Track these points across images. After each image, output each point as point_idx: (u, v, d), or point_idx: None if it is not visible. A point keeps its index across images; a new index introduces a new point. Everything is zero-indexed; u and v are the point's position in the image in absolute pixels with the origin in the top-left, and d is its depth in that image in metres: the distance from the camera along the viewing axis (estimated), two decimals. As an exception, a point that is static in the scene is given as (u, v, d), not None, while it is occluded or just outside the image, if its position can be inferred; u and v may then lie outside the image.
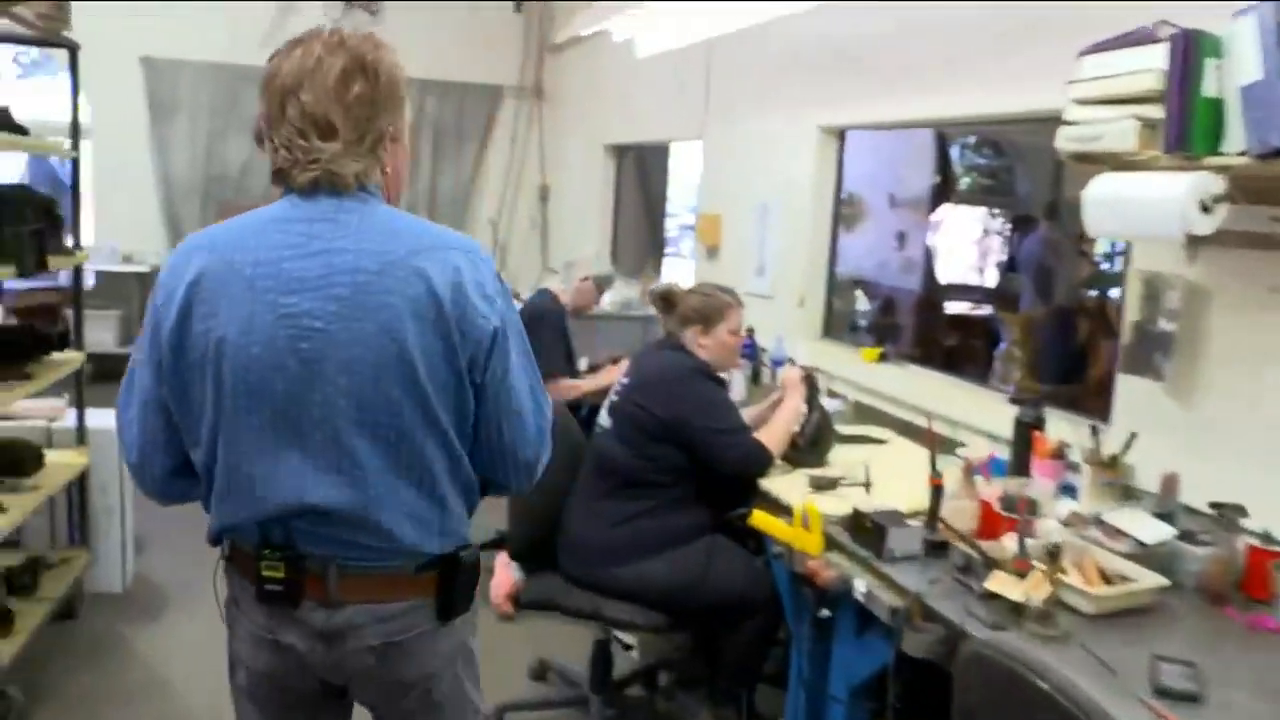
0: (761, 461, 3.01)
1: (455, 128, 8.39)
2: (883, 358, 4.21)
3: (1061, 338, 5.94)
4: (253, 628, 1.63)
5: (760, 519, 2.69)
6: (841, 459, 3.23)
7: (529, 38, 8.45)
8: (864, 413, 4.05)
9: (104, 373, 7.60)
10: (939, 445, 2.75)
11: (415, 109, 8.09)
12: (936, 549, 2.46)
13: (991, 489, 2.65)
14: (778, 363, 4.54)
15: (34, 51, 10.19)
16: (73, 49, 3.76)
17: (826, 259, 4.65)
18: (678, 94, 5.90)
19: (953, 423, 3.57)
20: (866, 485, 2.77)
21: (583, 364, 4.55)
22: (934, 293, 7.46)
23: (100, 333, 7.53)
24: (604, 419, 3.16)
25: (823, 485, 2.94)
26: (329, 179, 1.53)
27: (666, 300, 3.20)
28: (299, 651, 1.60)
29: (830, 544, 2.58)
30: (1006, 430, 3.13)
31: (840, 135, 4.56)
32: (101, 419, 3.93)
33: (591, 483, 3.10)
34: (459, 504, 1.64)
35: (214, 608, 1.73)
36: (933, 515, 2.55)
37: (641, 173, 7.67)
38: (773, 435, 3.08)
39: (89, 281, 8.02)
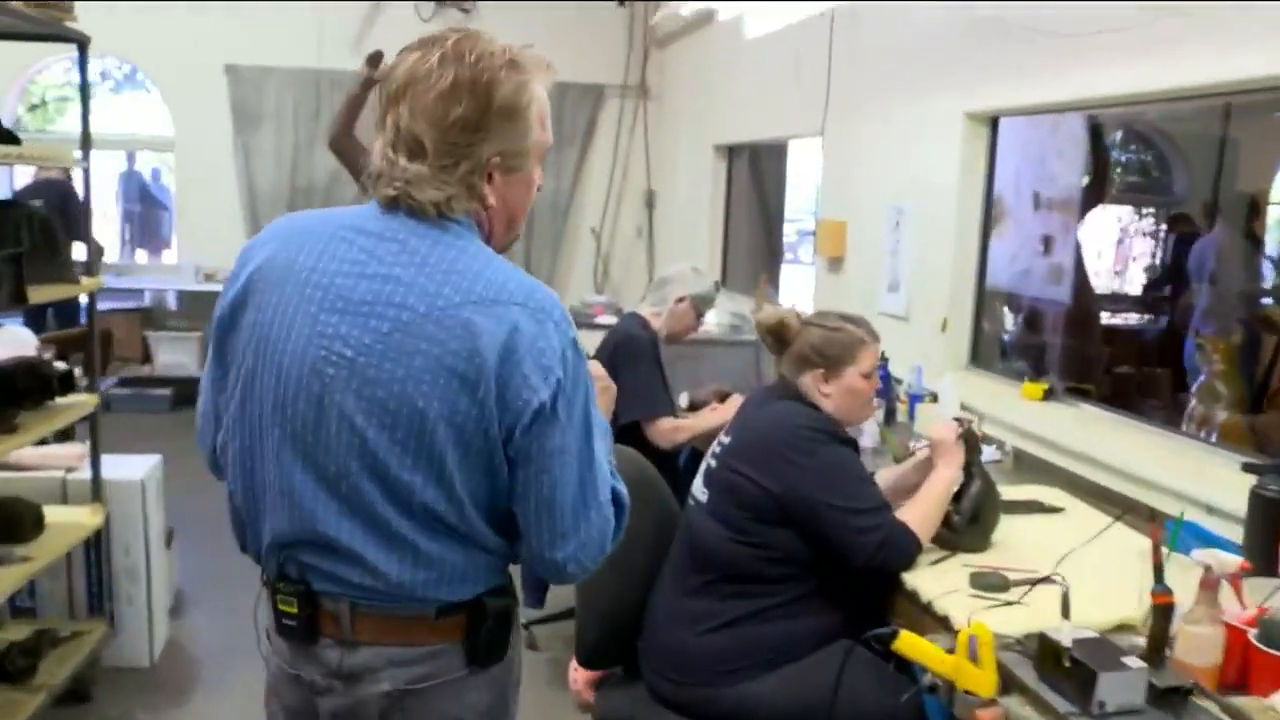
0: (907, 551, 2.28)
1: (555, 131, 7.75)
2: (1048, 395, 3.42)
3: (1248, 362, 5.05)
4: (279, 660, 1.57)
5: (909, 643, 1.95)
6: (1009, 538, 2.48)
7: (633, 32, 7.82)
8: (1025, 464, 3.27)
9: (185, 398, 7.31)
10: (1135, 515, 1.99)
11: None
12: (1166, 699, 1.71)
13: (1241, 608, 1.88)
14: (916, 399, 3.78)
15: (125, 66, 9.98)
16: (81, 42, 3.21)
17: (975, 272, 3.87)
18: (794, 83, 5.17)
19: (1143, 482, 2.79)
20: (1064, 605, 1.95)
21: (682, 401, 3.85)
22: (1086, 303, 6.54)
23: (179, 355, 7.15)
24: (698, 489, 2.47)
25: (991, 585, 2.20)
26: (407, 200, 1.43)
27: (778, 334, 2.49)
28: (320, 688, 1.52)
29: (1008, 682, 1.84)
30: (1217, 494, 2.46)
31: (992, 123, 3.77)
32: (120, 469, 3.39)
33: (683, 572, 2.41)
34: (480, 550, 1.49)
35: (251, 685, 1.69)
36: (1158, 646, 1.80)
37: (755, 175, 6.94)
38: (922, 516, 2.34)
39: (170, 303, 7.66)
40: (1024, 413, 3.40)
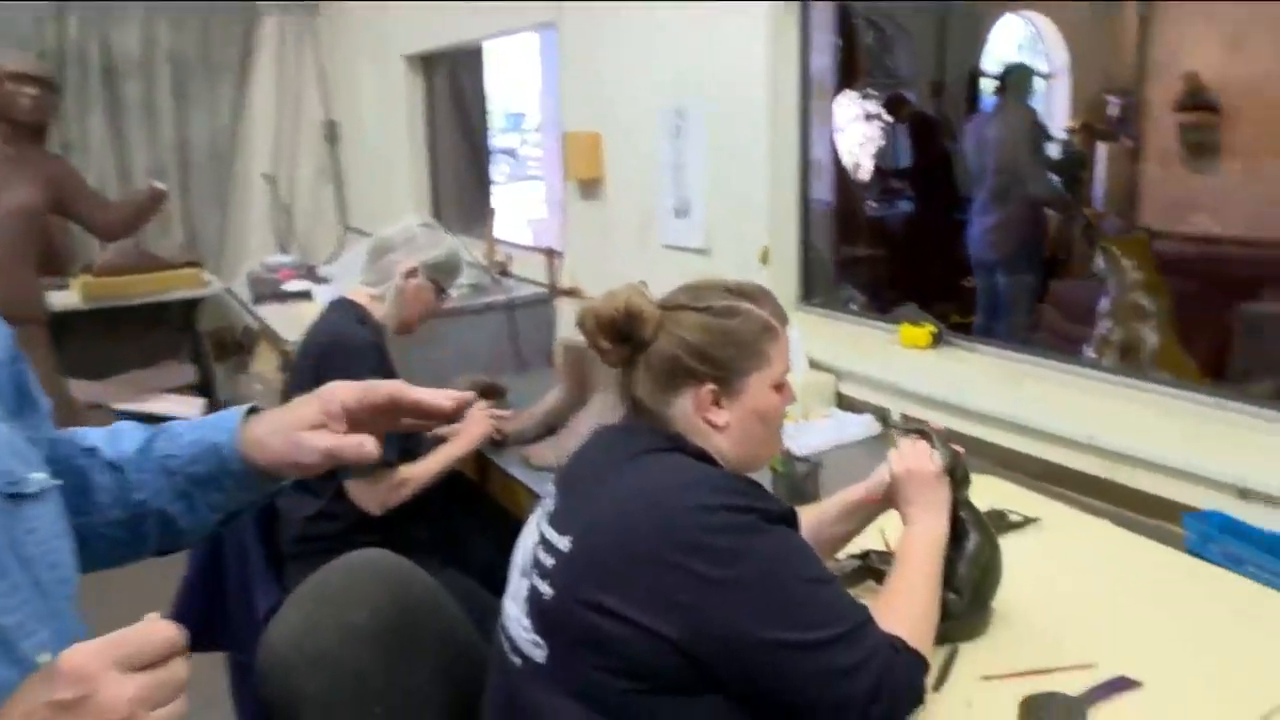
0: (914, 685, 1.31)
1: (202, 60, 6.23)
2: (938, 339, 2.53)
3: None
4: None
5: None
6: (999, 593, 1.58)
7: (282, -71, 6.36)
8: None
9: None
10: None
11: (143, 42, 5.97)
12: None
13: None
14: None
15: None
16: None
17: (797, 183, 2.94)
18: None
19: (1116, 456, 2.00)
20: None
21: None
22: (851, 199, 5.84)
23: None
24: (519, 629, 1.41)
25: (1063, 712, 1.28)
26: None
27: (626, 331, 1.43)
28: None
29: None
30: (1241, 465, 1.81)
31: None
32: None
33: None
34: None
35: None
36: None
37: (455, 91, 5.74)
38: (913, 612, 1.38)
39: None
40: (909, 367, 2.51)
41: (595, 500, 1.39)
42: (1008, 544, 1.61)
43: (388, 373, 2.39)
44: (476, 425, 2.57)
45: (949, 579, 1.50)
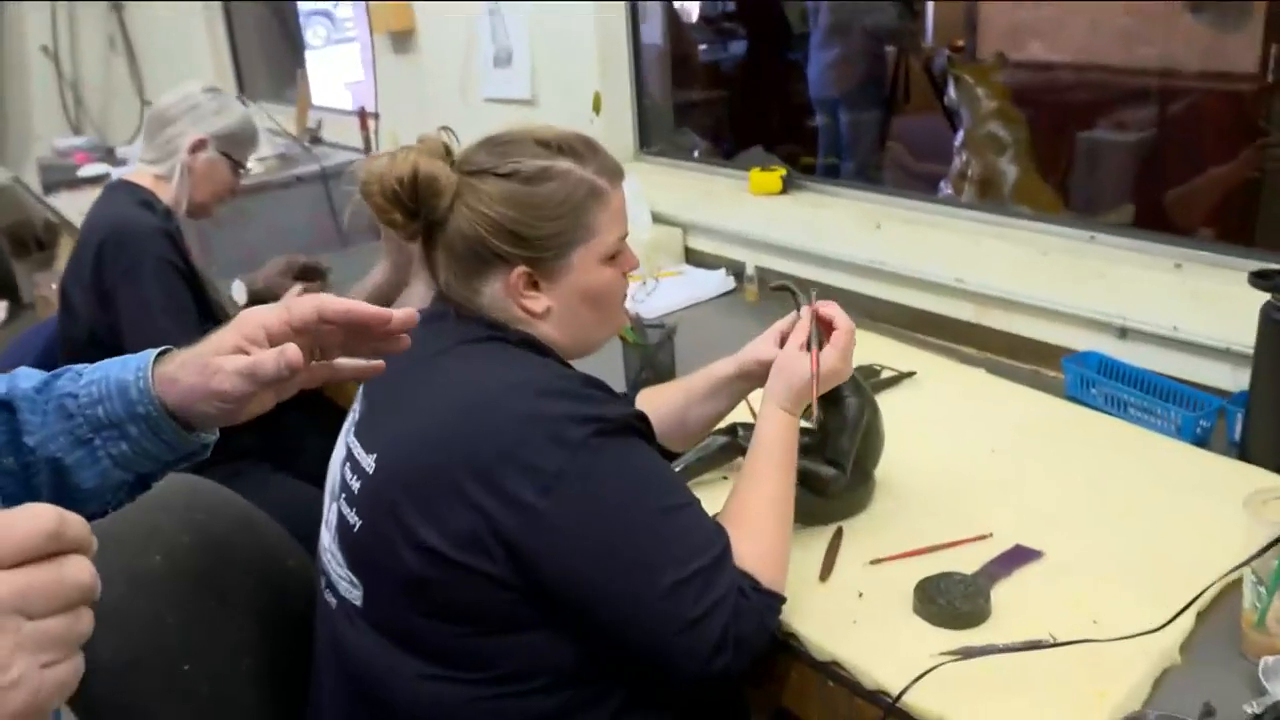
0: (765, 628, 1.12)
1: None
2: (788, 184, 2.34)
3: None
4: None
5: None
6: (893, 468, 1.44)
7: None
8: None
9: None
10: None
11: None
12: None
13: None
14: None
15: None
16: None
17: (626, 23, 2.67)
18: None
19: (978, 296, 1.88)
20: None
21: (237, 294, 2.44)
22: (684, 42, 5.55)
23: None
24: (328, 546, 1.22)
25: (956, 607, 1.15)
26: None
27: (418, 199, 1.18)
28: None
29: None
30: (1123, 303, 1.71)
31: None
32: None
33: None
34: None
35: None
36: None
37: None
38: (769, 533, 1.18)
39: None
40: (760, 215, 2.33)
41: (399, 408, 1.17)
42: (883, 402, 1.46)
43: (183, 261, 2.09)
44: None
45: (828, 451, 1.34)
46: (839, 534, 1.35)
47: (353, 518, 1.16)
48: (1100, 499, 1.38)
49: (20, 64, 5.82)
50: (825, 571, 1.27)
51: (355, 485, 1.16)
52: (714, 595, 1.06)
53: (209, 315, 2.13)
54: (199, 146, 2.16)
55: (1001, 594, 1.19)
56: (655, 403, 1.40)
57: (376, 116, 3.60)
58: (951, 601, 1.16)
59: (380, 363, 1.00)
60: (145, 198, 2.13)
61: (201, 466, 1.04)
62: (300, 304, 0.91)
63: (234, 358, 0.89)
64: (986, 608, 1.16)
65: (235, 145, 2.22)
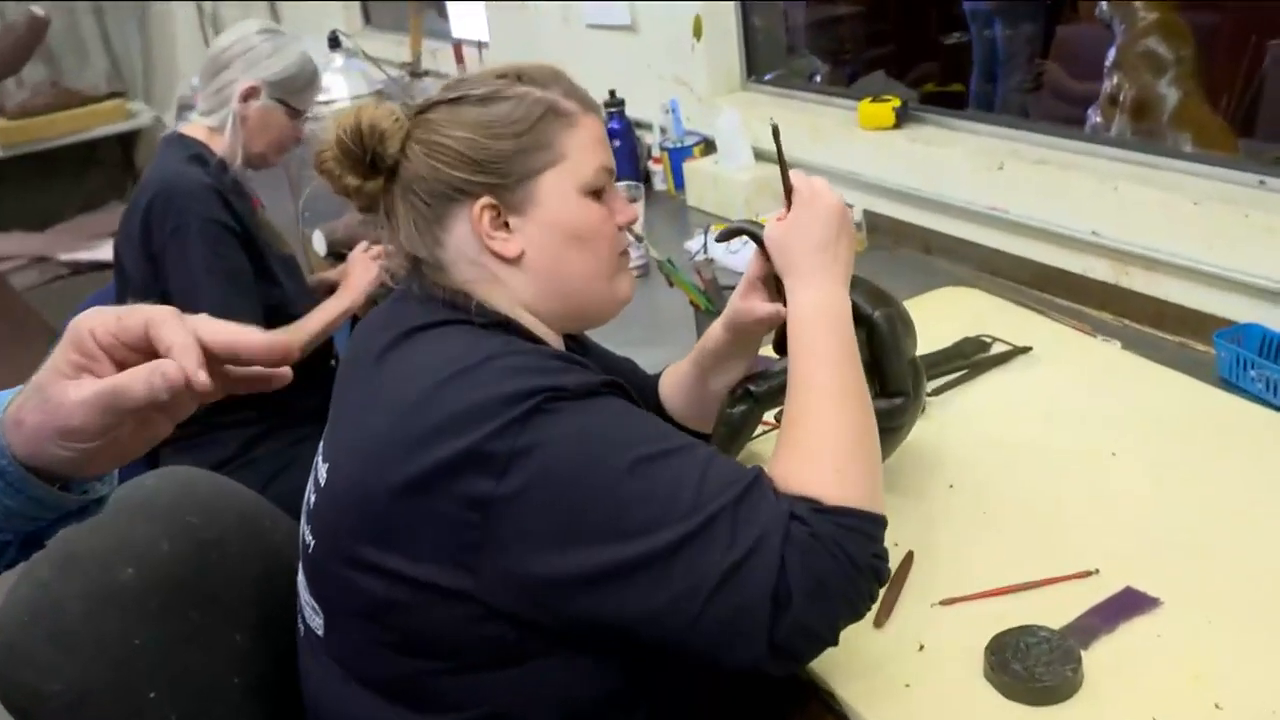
0: (852, 556, 0.86)
1: None
2: (902, 115, 2.04)
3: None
4: None
5: None
6: (980, 470, 1.19)
7: None
8: (890, 240, 1.97)
9: None
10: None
11: None
12: None
13: None
14: (679, 155, 2.40)
15: None
16: None
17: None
18: None
19: (1126, 255, 1.57)
20: None
21: (318, 245, 2.30)
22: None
23: None
24: (300, 567, 1.05)
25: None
26: None
27: (357, 156, 0.99)
28: None
29: None
30: None
31: None
32: None
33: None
34: None
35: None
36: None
37: None
38: (834, 440, 0.93)
39: None
40: (871, 152, 2.04)
41: (348, 409, 1.00)
42: (988, 384, 1.19)
43: (236, 220, 1.95)
44: (363, 272, 2.15)
45: (880, 384, 1.11)
46: (909, 559, 1.11)
47: (308, 537, 1.00)
48: (1249, 527, 1.10)
49: (164, 4, 5.87)
50: (883, 614, 1.04)
51: (312, 499, 1.01)
52: (746, 541, 0.84)
53: (270, 279, 2.00)
54: (251, 94, 2.00)
55: (1100, 655, 0.94)
56: (673, 388, 1.30)
57: (485, 45, 3.43)
58: (1031, 669, 0.92)
59: (283, 371, 0.79)
60: (198, 151, 2.00)
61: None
62: (132, 314, 0.70)
63: (82, 383, 0.70)
64: (1075, 679, 0.92)
65: (291, 91, 2.05)
